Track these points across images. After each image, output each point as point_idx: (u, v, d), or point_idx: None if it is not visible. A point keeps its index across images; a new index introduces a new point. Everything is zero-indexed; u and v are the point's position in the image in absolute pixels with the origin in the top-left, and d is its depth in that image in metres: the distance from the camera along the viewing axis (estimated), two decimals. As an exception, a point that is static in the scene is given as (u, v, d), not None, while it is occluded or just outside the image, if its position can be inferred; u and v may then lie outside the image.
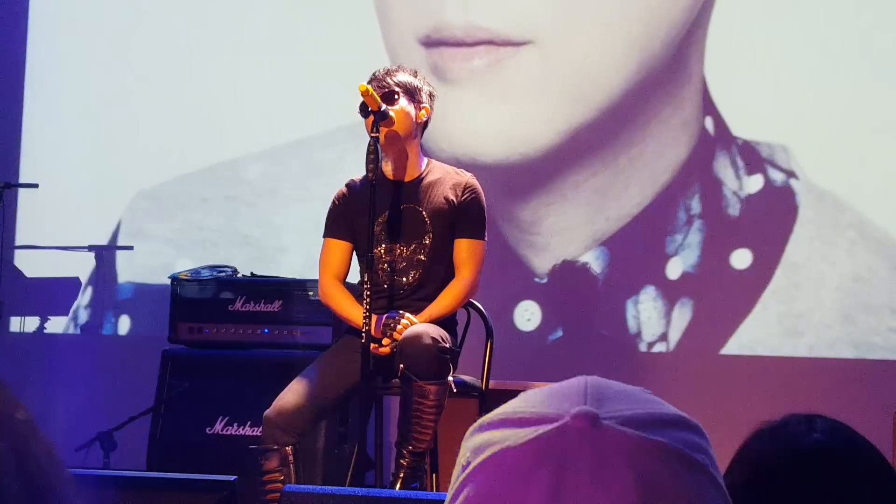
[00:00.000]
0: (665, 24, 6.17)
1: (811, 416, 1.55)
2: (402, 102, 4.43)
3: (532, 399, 0.97)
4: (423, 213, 4.47)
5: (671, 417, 0.96)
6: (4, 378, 1.12)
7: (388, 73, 4.50)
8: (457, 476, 0.97)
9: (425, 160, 4.59)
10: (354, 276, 4.61)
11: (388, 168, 4.52)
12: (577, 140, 6.21)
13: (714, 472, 0.95)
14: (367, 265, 4.33)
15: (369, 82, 4.45)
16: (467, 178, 4.56)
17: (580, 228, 6.20)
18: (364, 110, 4.35)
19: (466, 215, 4.50)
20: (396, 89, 4.43)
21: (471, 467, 0.96)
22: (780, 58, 6.09)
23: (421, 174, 4.53)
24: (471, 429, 0.99)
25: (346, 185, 4.58)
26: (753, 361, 5.97)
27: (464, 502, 0.95)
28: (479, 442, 0.96)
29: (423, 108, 4.50)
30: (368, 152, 4.32)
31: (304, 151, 6.56)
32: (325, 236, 4.58)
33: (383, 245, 4.45)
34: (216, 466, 4.82)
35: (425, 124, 4.55)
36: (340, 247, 4.54)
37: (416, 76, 4.52)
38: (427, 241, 4.47)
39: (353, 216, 4.50)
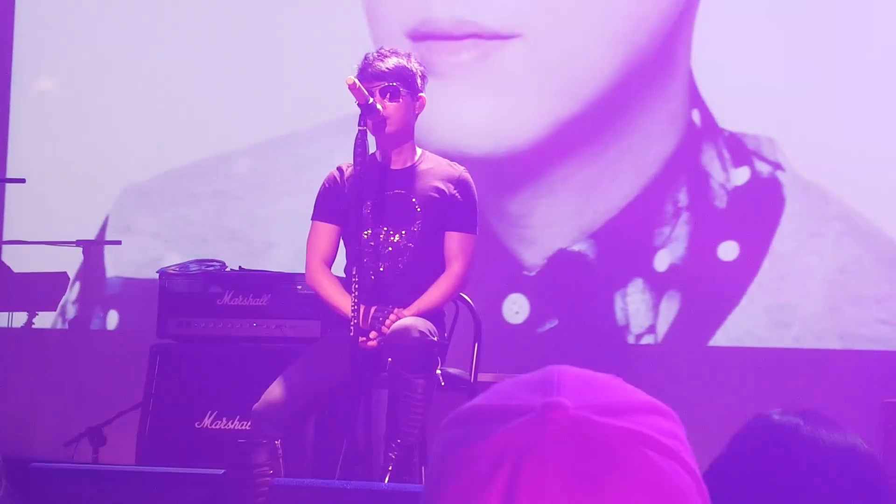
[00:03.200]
0: (652, 17, 6.17)
1: (802, 410, 1.56)
2: (402, 96, 4.41)
3: (502, 391, 0.97)
4: (414, 199, 4.47)
5: (642, 404, 0.96)
6: None
7: (381, 57, 4.46)
8: (429, 471, 0.97)
9: (419, 150, 4.59)
10: (339, 268, 4.61)
11: (380, 155, 4.53)
12: (565, 133, 6.22)
13: (687, 457, 0.95)
14: (355, 256, 4.32)
15: (361, 67, 4.43)
16: (460, 170, 4.56)
17: (568, 221, 6.20)
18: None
19: (458, 208, 4.50)
20: (395, 83, 4.41)
21: (443, 464, 0.96)
22: (767, 50, 6.10)
23: (414, 163, 4.54)
24: (442, 424, 0.99)
25: (338, 169, 4.57)
26: (741, 353, 5.98)
27: (437, 496, 0.95)
28: (451, 436, 0.96)
29: (420, 96, 4.50)
30: (356, 145, 4.31)
31: (292, 146, 6.56)
32: (313, 219, 4.57)
33: (370, 228, 4.44)
34: (205, 461, 4.82)
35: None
36: (328, 230, 4.53)
37: (409, 60, 4.50)
38: (416, 229, 4.46)
39: (341, 200, 4.49)
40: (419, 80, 4.48)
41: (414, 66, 4.48)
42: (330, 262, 4.54)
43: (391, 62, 4.43)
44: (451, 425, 0.97)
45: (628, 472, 0.92)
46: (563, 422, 0.92)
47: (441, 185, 4.49)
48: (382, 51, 4.50)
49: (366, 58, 4.47)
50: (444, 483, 0.95)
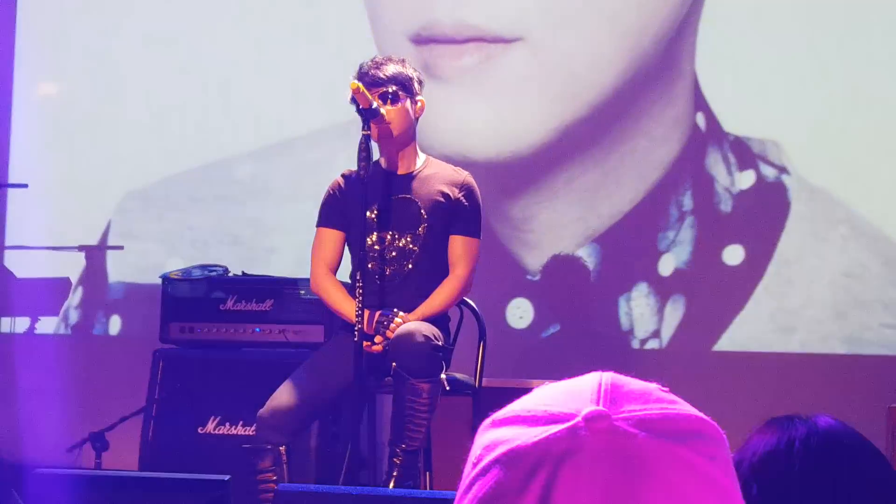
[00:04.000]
0: (656, 21, 6.16)
1: (813, 414, 1.55)
2: (402, 101, 4.42)
3: (545, 396, 0.96)
4: (419, 203, 4.47)
5: (684, 418, 0.95)
6: None
7: (376, 65, 4.46)
8: (467, 472, 0.96)
9: (422, 155, 4.59)
10: (344, 275, 4.59)
11: (384, 161, 4.52)
12: (569, 137, 6.20)
13: (725, 478, 0.95)
14: (360, 261, 4.31)
15: (358, 76, 4.43)
16: (464, 175, 4.56)
17: (572, 225, 6.19)
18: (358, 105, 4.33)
19: (462, 212, 4.49)
20: (394, 88, 4.41)
21: (482, 464, 0.95)
22: (771, 53, 6.09)
23: (418, 168, 4.53)
24: (483, 424, 0.98)
25: (342, 175, 4.57)
26: (746, 358, 5.96)
27: (473, 499, 0.94)
28: (491, 438, 0.96)
29: (419, 100, 4.50)
30: (360, 150, 4.31)
31: (295, 151, 6.54)
32: (317, 226, 4.57)
33: (375, 234, 4.44)
34: (208, 466, 4.81)
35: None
36: (333, 236, 4.53)
37: (404, 65, 4.50)
38: (420, 232, 4.46)
39: (346, 206, 4.49)
40: (417, 84, 4.49)
41: (410, 70, 4.49)
42: (335, 269, 4.54)
43: (388, 69, 4.44)
44: (493, 426, 0.97)
45: (662, 489, 0.91)
46: (603, 433, 0.92)
47: (446, 190, 4.49)
48: (377, 59, 4.51)
49: (361, 67, 4.47)
50: (479, 484, 0.94)
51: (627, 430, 0.92)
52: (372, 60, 4.50)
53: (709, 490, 0.93)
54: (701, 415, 0.97)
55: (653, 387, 0.97)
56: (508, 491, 0.92)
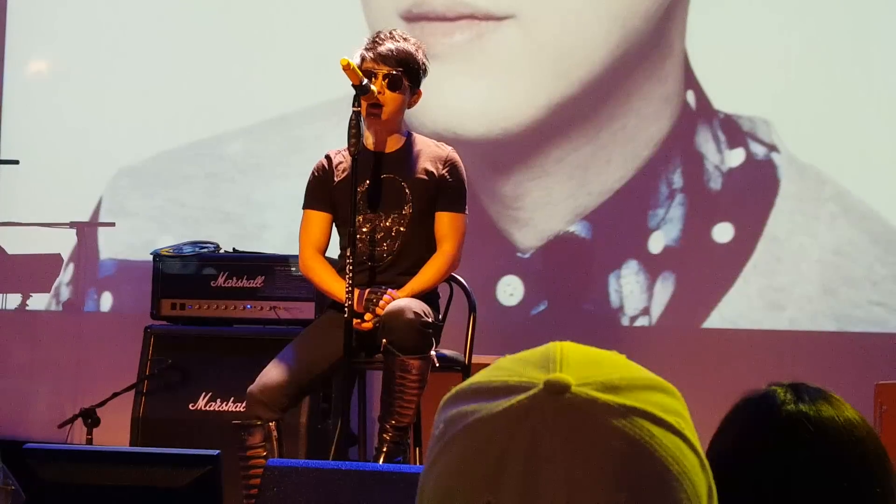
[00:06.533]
0: (646, -1, 6.16)
1: (795, 384, 1.56)
2: (402, 88, 4.37)
3: (505, 367, 0.97)
4: (403, 183, 4.46)
5: (644, 381, 0.96)
6: None
7: (393, 39, 4.42)
8: (431, 447, 0.97)
9: (406, 133, 4.56)
10: (333, 251, 4.60)
11: (369, 140, 4.49)
12: (559, 115, 6.21)
13: (689, 433, 0.95)
14: (349, 238, 4.31)
15: (370, 44, 4.39)
16: (448, 151, 4.54)
17: (562, 203, 6.20)
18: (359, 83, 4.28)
19: (447, 188, 4.48)
20: (400, 72, 4.37)
21: (445, 438, 0.95)
22: (761, 31, 6.09)
23: (402, 146, 4.51)
24: (444, 399, 0.98)
25: (325, 156, 4.56)
26: (735, 335, 5.98)
27: (439, 475, 0.95)
28: (453, 413, 0.96)
29: (418, 91, 4.46)
30: (350, 126, 4.29)
31: (285, 128, 6.54)
32: (304, 208, 4.56)
33: (362, 215, 4.43)
34: (199, 442, 4.83)
35: None
36: (320, 218, 4.51)
37: (417, 50, 4.44)
38: (406, 212, 4.45)
39: (332, 187, 4.48)
40: (421, 75, 4.45)
41: (421, 58, 4.43)
42: (323, 250, 4.53)
43: (402, 49, 4.38)
44: (454, 401, 0.97)
45: (631, 449, 0.92)
46: (564, 400, 0.92)
47: (430, 167, 4.48)
48: (395, 33, 4.45)
49: (378, 34, 4.42)
50: (445, 458, 0.95)
51: (589, 393, 0.92)
52: (390, 32, 4.45)
53: (676, 443, 0.94)
54: (657, 377, 0.97)
55: (611, 353, 0.98)
56: (473, 463, 0.93)
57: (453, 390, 0.98)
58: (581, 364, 0.95)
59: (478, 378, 0.97)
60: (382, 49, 4.37)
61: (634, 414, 0.93)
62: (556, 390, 0.92)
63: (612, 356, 0.98)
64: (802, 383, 1.58)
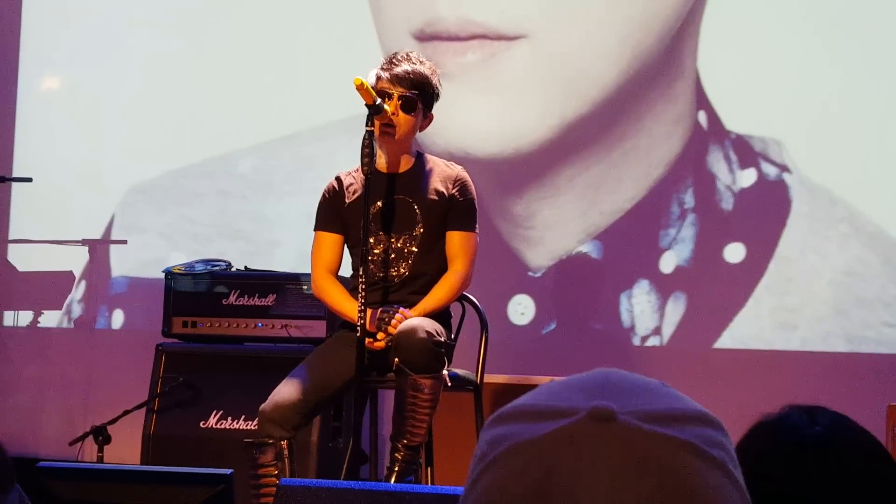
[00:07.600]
0: (658, 18, 6.17)
1: (812, 407, 1.55)
2: (415, 112, 4.38)
3: (550, 392, 0.97)
4: (414, 204, 4.46)
5: (689, 412, 0.96)
6: None
7: (410, 62, 4.44)
8: (473, 467, 0.97)
9: (417, 153, 4.57)
10: (346, 271, 4.61)
11: (381, 160, 4.49)
12: (571, 134, 6.21)
13: (733, 468, 0.95)
14: (361, 258, 4.31)
15: (386, 64, 4.40)
16: (457, 170, 4.54)
17: (573, 222, 6.20)
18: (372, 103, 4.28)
19: (457, 208, 4.49)
20: (415, 94, 4.38)
21: (487, 459, 0.96)
22: (773, 51, 6.10)
23: (412, 166, 4.52)
24: (488, 420, 0.99)
25: (336, 178, 4.56)
26: (746, 355, 5.97)
27: (480, 495, 0.95)
28: (496, 434, 0.96)
29: (430, 115, 4.47)
30: (363, 146, 4.29)
31: (297, 145, 6.56)
32: (315, 230, 4.56)
33: (374, 236, 4.43)
34: (209, 460, 4.82)
35: None
36: (332, 240, 4.52)
37: (433, 74, 4.45)
38: (418, 233, 4.45)
39: (343, 208, 4.48)
40: (435, 99, 4.46)
41: (436, 83, 4.45)
42: (335, 272, 4.53)
43: (418, 71, 4.39)
44: (498, 422, 0.97)
45: (672, 481, 0.92)
46: (608, 428, 0.92)
47: (440, 187, 4.48)
48: (412, 56, 4.46)
49: (395, 55, 4.44)
50: (486, 478, 0.95)
51: (632, 422, 0.92)
52: (408, 54, 4.46)
53: (719, 477, 0.94)
54: (704, 409, 0.98)
55: (657, 382, 0.98)
56: (514, 485, 0.93)
57: (498, 412, 0.98)
58: (626, 392, 0.95)
59: (522, 400, 0.98)
60: (399, 70, 4.38)
61: (678, 445, 0.93)
62: (601, 417, 0.93)
63: (657, 385, 0.98)
64: (818, 406, 1.57)
